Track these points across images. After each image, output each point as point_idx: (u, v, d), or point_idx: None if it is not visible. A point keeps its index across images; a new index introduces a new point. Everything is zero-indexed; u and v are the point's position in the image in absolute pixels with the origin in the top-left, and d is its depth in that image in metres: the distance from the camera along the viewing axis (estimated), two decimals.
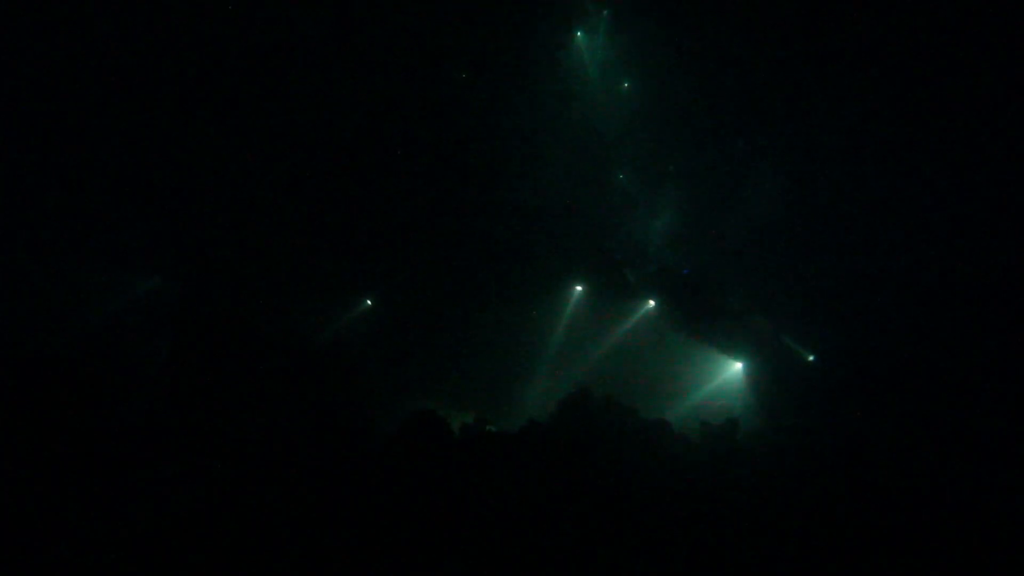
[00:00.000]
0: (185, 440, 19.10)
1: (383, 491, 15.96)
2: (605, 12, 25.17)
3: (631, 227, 28.57)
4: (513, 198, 27.61)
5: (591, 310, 27.78)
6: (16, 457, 17.04)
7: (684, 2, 23.86)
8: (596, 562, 14.30)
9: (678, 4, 23.92)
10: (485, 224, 27.60)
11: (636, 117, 26.46)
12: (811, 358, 24.71)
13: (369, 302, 27.47)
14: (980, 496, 15.58)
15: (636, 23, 25.21)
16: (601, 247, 28.18)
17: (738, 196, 27.32)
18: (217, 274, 25.67)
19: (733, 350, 25.66)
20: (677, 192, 27.78)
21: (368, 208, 27.45)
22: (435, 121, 26.60)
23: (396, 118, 26.28)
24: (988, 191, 23.58)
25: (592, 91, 26.33)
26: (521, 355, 27.05)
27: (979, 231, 23.70)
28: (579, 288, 28.07)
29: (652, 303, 27.19)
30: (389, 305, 27.18)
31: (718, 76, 25.01)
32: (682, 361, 26.19)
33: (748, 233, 27.20)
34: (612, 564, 14.22)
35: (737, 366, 25.63)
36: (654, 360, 26.28)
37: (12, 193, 25.59)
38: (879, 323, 24.13)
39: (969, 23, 22.71)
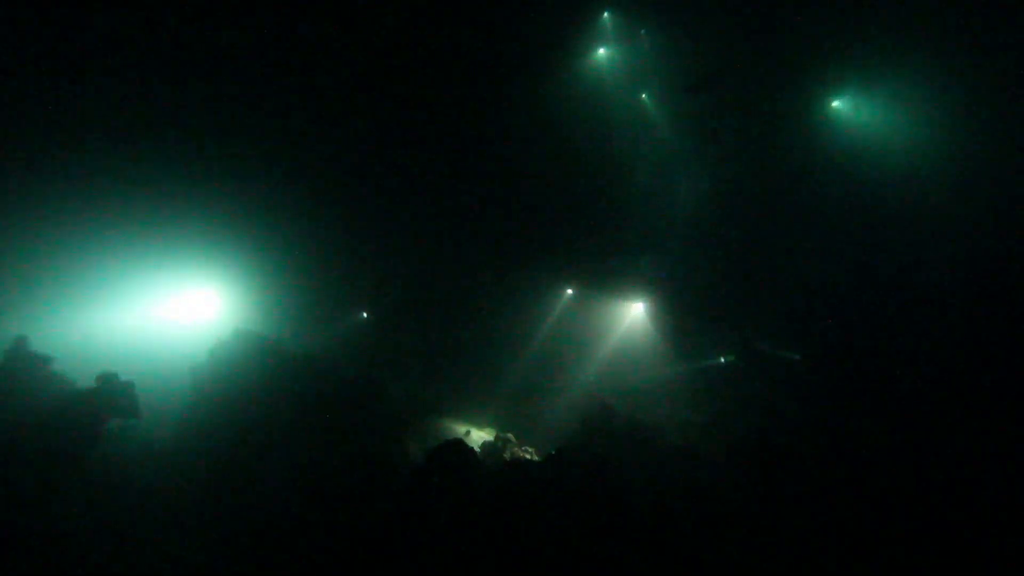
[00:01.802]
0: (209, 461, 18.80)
1: (416, 521, 15.68)
2: (643, 31, 24.91)
3: (628, 232, 28.26)
4: (517, 200, 27.34)
5: (584, 313, 27.87)
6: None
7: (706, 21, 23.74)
8: None
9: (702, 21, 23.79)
10: (484, 230, 27.39)
11: (653, 123, 26.21)
12: (796, 357, 24.67)
13: (365, 315, 27.06)
14: (970, 491, 15.90)
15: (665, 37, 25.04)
16: (597, 250, 27.99)
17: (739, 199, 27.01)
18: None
19: (719, 350, 25.76)
20: (685, 195, 27.62)
21: (372, 219, 27.17)
22: (441, 128, 26.27)
23: (404, 128, 26.00)
24: (978, 191, 23.77)
25: (610, 101, 26.08)
26: (520, 359, 27.00)
27: (967, 230, 23.88)
28: (570, 291, 28.15)
29: (641, 306, 27.35)
30: (392, 319, 26.95)
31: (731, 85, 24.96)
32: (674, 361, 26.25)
33: (737, 235, 27.32)
34: None
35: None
36: (648, 362, 26.38)
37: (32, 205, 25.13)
38: (864, 321, 24.22)
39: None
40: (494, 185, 27.12)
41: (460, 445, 16.68)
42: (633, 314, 27.75)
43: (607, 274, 27.85)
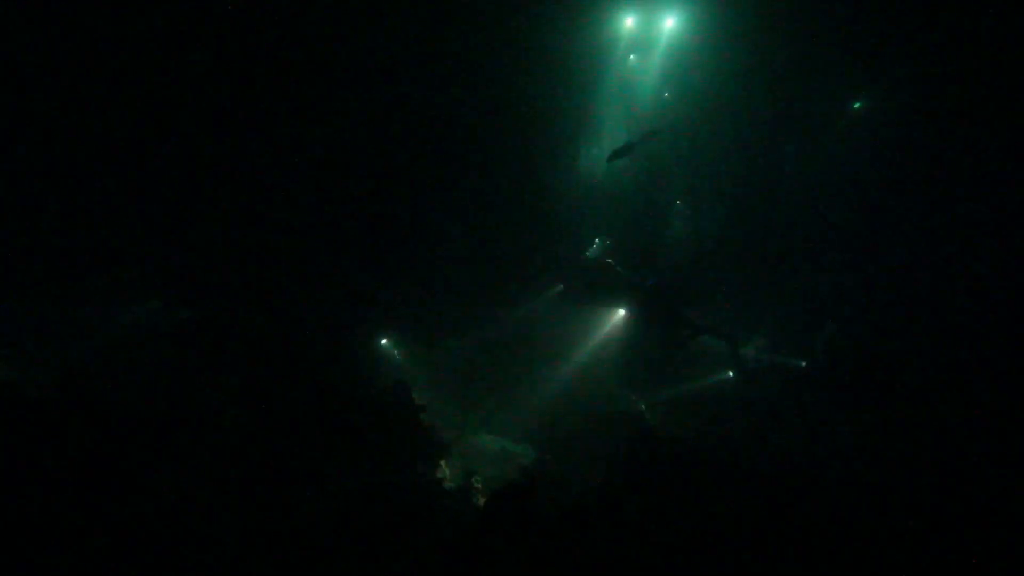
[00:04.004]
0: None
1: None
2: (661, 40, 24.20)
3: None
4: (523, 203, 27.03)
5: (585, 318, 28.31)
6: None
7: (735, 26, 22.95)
8: None
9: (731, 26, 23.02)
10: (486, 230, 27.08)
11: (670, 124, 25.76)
12: (803, 363, 25.03)
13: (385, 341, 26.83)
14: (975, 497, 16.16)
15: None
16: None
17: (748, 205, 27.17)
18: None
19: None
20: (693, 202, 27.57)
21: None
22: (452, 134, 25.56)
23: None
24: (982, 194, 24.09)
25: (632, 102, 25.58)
26: (537, 364, 27.35)
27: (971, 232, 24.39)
28: (561, 286, 28.31)
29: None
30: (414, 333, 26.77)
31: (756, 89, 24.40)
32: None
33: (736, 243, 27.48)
34: None
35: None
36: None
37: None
38: (869, 325, 24.81)
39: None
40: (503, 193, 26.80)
41: (519, 491, 16.94)
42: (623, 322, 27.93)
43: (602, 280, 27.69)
